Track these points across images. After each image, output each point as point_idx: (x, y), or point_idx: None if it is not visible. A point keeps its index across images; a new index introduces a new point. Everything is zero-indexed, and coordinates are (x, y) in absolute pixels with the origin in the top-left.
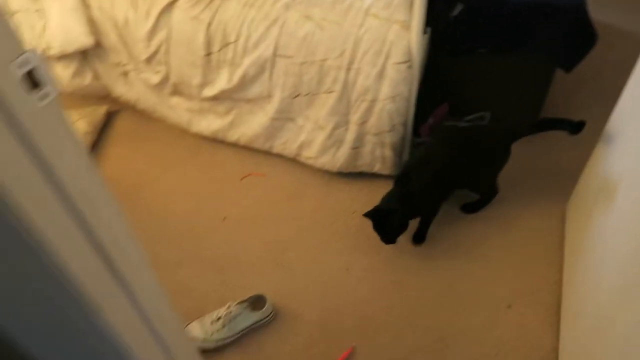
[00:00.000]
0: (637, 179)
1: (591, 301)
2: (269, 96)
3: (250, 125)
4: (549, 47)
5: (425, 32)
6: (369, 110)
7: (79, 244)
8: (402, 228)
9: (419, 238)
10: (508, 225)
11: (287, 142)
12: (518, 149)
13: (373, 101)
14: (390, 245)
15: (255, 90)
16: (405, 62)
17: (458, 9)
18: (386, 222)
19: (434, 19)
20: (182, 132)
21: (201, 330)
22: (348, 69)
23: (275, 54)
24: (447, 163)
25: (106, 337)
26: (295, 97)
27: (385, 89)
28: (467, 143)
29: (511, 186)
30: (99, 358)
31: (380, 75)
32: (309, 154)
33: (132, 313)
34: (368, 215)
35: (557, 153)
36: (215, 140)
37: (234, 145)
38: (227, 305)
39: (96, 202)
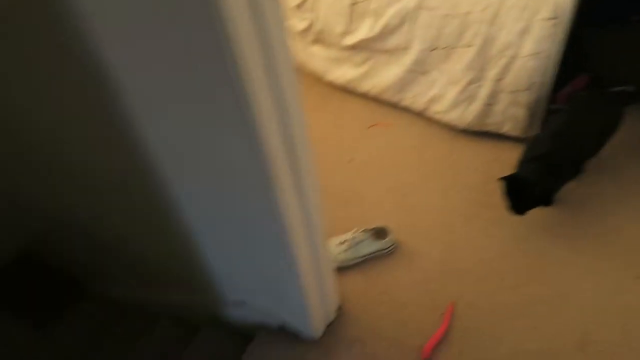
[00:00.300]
0: None
1: None
2: (406, 48)
3: (384, 76)
4: None
5: None
6: (507, 67)
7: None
8: (538, 203)
9: (547, 201)
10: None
11: (416, 96)
12: None
13: (513, 57)
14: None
15: (394, 41)
16: (553, 18)
17: None
18: (522, 191)
19: None
20: (316, 80)
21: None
22: (491, 23)
23: (419, 6)
24: (591, 133)
25: (272, 210)
26: (433, 50)
27: (528, 46)
28: (609, 112)
29: None
30: (260, 229)
31: (524, 30)
32: (438, 109)
33: (297, 202)
34: (505, 179)
35: None
36: (346, 90)
37: (364, 96)
38: (352, 231)
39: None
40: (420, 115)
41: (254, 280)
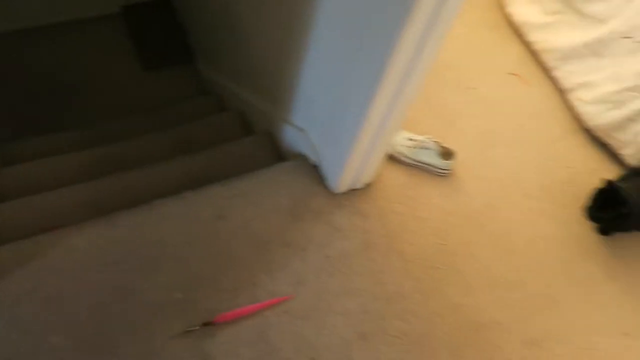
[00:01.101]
0: None
1: None
2: (602, 20)
3: (560, 36)
4: None
5: None
6: None
7: None
8: (611, 222)
9: (605, 232)
10: None
11: (573, 73)
12: None
13: None
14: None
15: (597, 7)
16: None
17: None
18: (610, 204)
19: None
20: (497, 5)
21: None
22: None
23: None
24: None
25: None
26: (626, 37)
27: None
28: None
29: None
30: (361, 69)
31: None
32: (582, 96)
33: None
34: (609, 182)
35: None
36: (514, 29)
37: (525, 46)
38: (426, 136)
39: None
40: (562, 93)
41: (321, 115)
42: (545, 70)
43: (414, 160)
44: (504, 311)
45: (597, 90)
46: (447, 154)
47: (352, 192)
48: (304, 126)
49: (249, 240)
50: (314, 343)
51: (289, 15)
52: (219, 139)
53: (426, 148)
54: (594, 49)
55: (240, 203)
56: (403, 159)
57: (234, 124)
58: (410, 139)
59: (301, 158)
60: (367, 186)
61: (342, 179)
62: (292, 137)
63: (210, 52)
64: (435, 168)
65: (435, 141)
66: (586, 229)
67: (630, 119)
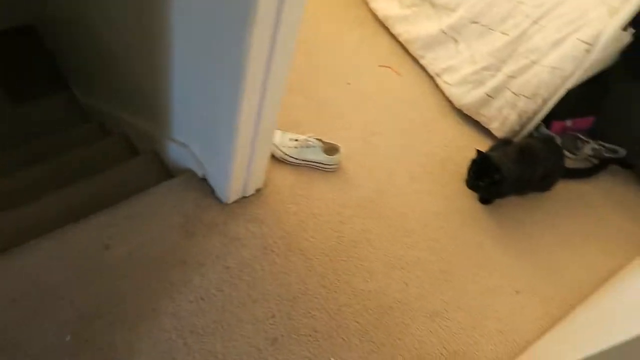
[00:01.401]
0: None
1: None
2: (453, 10)
3: (420, 27)
4: None
5: (625, 29)
6: (524, 69)
7: None
8: (488, 189)
9: (485, 201)
10: (572, 236)
11: (437, 59)
12: None
13: (534, 62)
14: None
15: None
16: (587, 43)
17: None
18: (485, 172)
19: None
20: (361, 1)
21: (279, 138)
22: (535, 22)
23: None
24: (542, 169)
25: (240, 58)
26: (474, 22)
27: (553, 57)
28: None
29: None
30: (223, 77)
31: (558, 42)
32: (448, 80)
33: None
34: (480, 153)
35: None
36: (381, 24)
37: (393, 38)
38: (308, 135)
39: None
40: (431, 79)
41: (199, 127)
42: (414, 59)
43: (301, 159)
44: (406, 290)
45: (458, 73)
46: (331, 149)
47: (244, 199)
48: (186, 141)
49: (141, 265)
50: (225, 357)
51: (150, 37)
52: (103, 165)
53: (310, 146)
54: (450, 36)
55: (128, 228)
56: (290, 160)
57: (119, 148)
58: (294, 140)
59: (188, 173)
60: (258, 192)
61: (231, 188)
62: (176, 153)
63: (85, 78)
64: (322, 164)
65: (317, 138)
66: (469, 201)
67: (490, 96)
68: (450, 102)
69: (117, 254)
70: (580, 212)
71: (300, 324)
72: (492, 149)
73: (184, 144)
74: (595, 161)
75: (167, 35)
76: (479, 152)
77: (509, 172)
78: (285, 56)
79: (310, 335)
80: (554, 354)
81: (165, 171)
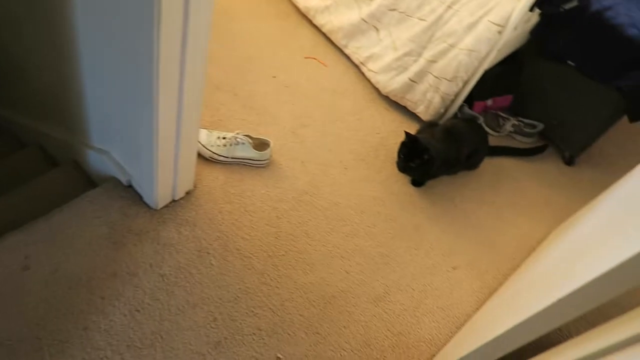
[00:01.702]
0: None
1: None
2: None
3: (341, 17)
4: (633, 94)
5: (532, 10)
6: (443, 53)
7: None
8: (418, 169)
9: (418, 184)
10: (500, 209)
11: (360, 48)
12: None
13: (451, 46)
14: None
15: None
16: (498, 25)
17: (573, 3)
18: (414, 154)
19: (547, 3)
20: None
21: (206, 138)
22: (449, 7)
23: None
24: (468, 148)
25: (148, 59)
26: (392, 10)
27: (468, 40)
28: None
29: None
30: (134, 77)
31: (472, 25)
32: (372, 67)
33: (177, 65)
34: (409, 135)
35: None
36: (303, 16)
37: (316, 29)
38: (236, 132)
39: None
40: (357, 68)
41: (118, 132)
42: (338, 49)
43: (230, 157)
44: (347, 279)
45: (381, 60)
46: (261, 144)
47: (174, 203)
48: (105, 147)
49: (65, 283)
50: None
51: (55, 44)
52: (19, 179)
53: (239, 143)
54: (371, 24)
55: (47, 245)
56: (219, 158)
57: (35, 160)
58: (222, 138)
59: (111, 181)
60: (188, 194)
61: (159, 193)
62: (96, 161)
63: None
64: (253, 161)
65: (246, 135)
66: (404, 185)
67: (414, 81)
68: (376, 89)
69: (38, 274)
70: (506, 185)
71: (244, 324)
72: (419, 131)
73: (104, 151)
74: (517, 136)
75: (72, 40)
76: (407, 134)
77: (436, 151)
78: (199, 51)
79: (254, 334)
80: (491, 324)
81: (88, 181)
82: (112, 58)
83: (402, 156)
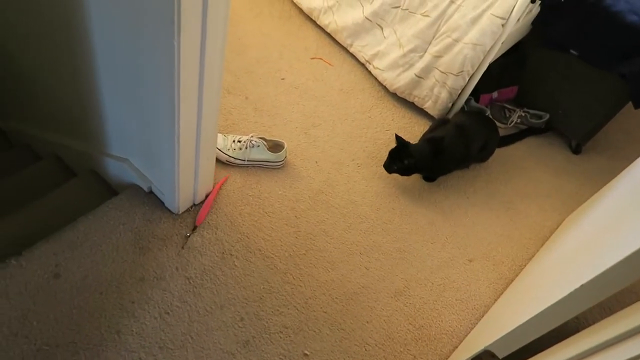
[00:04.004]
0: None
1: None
2: None
3: (345, 17)
4: (636, 80)
5: (534, 1)
6: (448, 47)
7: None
8: (405, 173)
9: (429, 179)
10: (512, 199)
11: (366, 46)
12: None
13: (456, 40)
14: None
15: None
16: (502, 17)
17: None
18: (402, 157)
19: None
20: None
21: (222, 142)
22: (452, 2)
23: None
24: (479, 143)
25: (170, 67)
26: (395, 7)
27: (472, 34)
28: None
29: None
30: (155, 86)
31: (475, 19)
32: (378, 65)
33: (196, 74)
34: (399, 139)
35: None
36: (307, 17)
37: (321, 29)
38: (251, 135)
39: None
40: (363, 66)
41: (137, 140)
42: (343, 49)
43: (246, 160)
44: (367, 275)
45: (387, 57)
46: (276, 146)
47: (195, 207)
48: (125, 155)
49: (96, 289)
50: None
51: (71, 57)
52: (39, 191)
53: (255, 146)
54: (375, 22)
55: (75, 253)
56: (235, 162)
57: (53, 172)
58: (238, 141)
59: (132, 188)
60: (208, 198)
61: (180, 199)
62: (116, 169)
63: (5, 102)
64: (269, 162)
65: (261, 137)
66: (415, 180)
67: (421, 77)
68: (384, 86)
69: (69, 281)
70: (516, 176)
71: (270, 323)
72: (431, 129)
73: (123, 159)
74: (524, 127)
75: (90, 54)
76: (397, 137)
77: (422, 156)
78: (216, 58)
79: (281, 332)
80: (511, 314)
81: (108, 189)
82: (132, 71)
83: (389, 160)
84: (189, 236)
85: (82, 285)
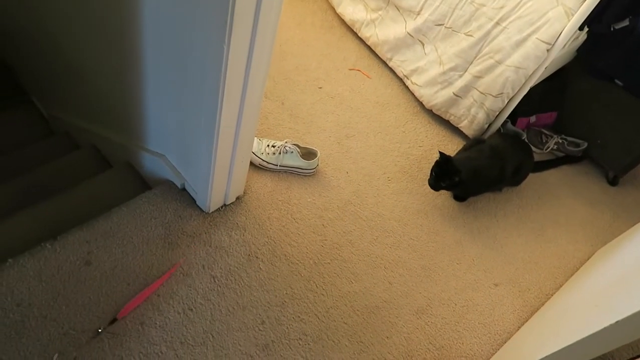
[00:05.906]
0: None
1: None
2: (418, 13)
3: (387, 30)
4: None
5: (582, 28)
6: (490, 68)
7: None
8: (449, 188)
9: (460, 199)
10: (543, 226)
11: (405, 61)
12: None
13: (498, 62)
14: (429, 188)
15: (410, 1)
16: (547, 43)
17: (623, 23)
18: (445, 174)
19: (597, 22)
20: (329, 7)
21: (257, 145)
22: (497, 24)
23: None
24: (513, 166)
25: (215, 69)
26: (439, 25)
27: (515, 57)
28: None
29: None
30: (199, 87)
31: (520, 42)
32: (417, 81)
33: (242, 74)
34: (443, 155)
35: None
36: (348, 28)
37: (361, 42)
38: (285, 141)
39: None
40: (400, 81)
41: (176, 138)
42: (382, 62)
43: (279, 165)
44: (390, 289)
45: (426, 74)
46: (309, 153)
47: (225, 207)
48: (162, 151)
49: (124, 279)
50: None
51: (119, 50)
52: (75, 179)
53: (288, 152)
54: (417, 38)
55: (107, 243)
56: (268, 166)
57: (90, 161)
58: (272, 146)
59: (166, 184)
60: (239, 199)
61: (212, 198)
62: (152, 164)
63: (48, 90)
64: (300, 169)
65: (294, 144)
66: (445, 199)
67: (459, 96)
68: (420, 102)
69: (99, 269)
70: (548, 203)
71: (290, 329)
72: (465, 148)
73: (160, 154)
74: (560, 154)
75: (138, 49)
76: (441, 154)
77: (470, 172)
78: (263, 62)
79: (300, 339)
80: (533, 344)
81: (141, 183)
82: (178, 70)
83: (433, 174)
84: (100, 331)
85: (111, 275)
